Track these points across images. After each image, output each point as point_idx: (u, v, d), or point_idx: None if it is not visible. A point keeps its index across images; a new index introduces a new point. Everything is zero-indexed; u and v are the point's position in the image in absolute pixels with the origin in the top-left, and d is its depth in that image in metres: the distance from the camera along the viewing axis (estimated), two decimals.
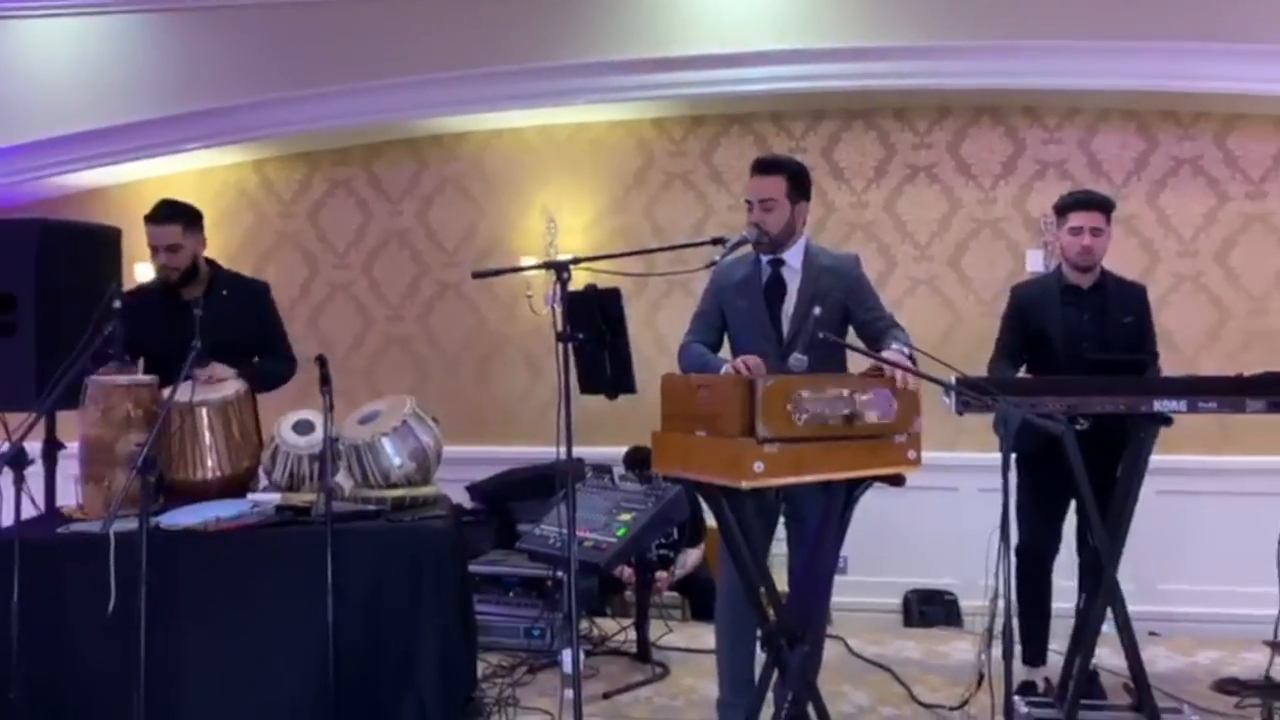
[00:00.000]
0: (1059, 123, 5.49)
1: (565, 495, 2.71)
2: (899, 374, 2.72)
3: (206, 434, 3.25)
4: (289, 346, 3.79)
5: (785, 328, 3.15)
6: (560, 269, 2.72)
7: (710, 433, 2.62)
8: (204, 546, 3.05)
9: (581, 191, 5.89)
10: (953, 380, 2.89)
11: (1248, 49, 4.90)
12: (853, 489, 2.77)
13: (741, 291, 3.24)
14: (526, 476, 5.20)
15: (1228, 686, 3.66)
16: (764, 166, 3.21)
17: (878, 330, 3.09)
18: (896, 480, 2.75)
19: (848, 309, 3.16)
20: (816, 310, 2.95)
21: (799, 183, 3.20)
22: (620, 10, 5.41)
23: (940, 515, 5.08)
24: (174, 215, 3.53)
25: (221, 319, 3.41)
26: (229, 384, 3.37)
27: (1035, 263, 5.40)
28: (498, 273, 2.96)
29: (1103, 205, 3.55)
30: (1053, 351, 3.55)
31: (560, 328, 2.70)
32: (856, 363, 3.01)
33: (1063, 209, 3.58)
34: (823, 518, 2.81)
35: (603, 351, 2.88)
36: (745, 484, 2.51)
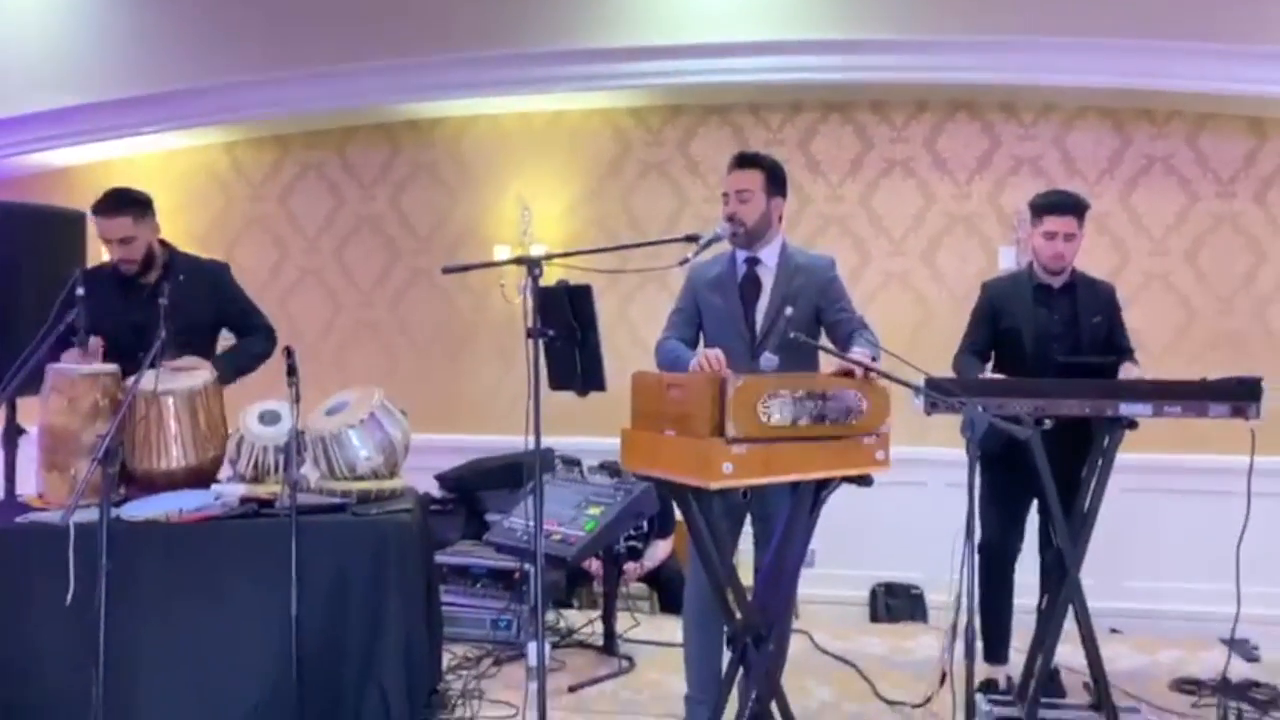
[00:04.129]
0: (1035, 119, 5.51)
1: (534, 489, 2.70)
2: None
3: (173, 423, 3.21)
4: (264, 319, 3.74)
5: (759, 326, 3.15)
6: (532, 265, 2.71)
7: (679, 432, 2.61)
8: (166, 538, 3.02)
9: (557, 180, 5.85)
10: (921, 382, 2.90)
11: (1220, 48, 4.92)
12: (820, 489, 2.78)
13: (717, 288, 3.24)
14: (495, 466, 5.18)
15: (1185, 686, 3.72)
16: (742, 160, 3.23)
17: (846, 331, 3.09)
18: (864, 481, 2.76)
19: (819, 309, 3.16)
20: (789, 310, 2.94)
21: (776, 178, 3.22)
22: None
23: (908, 510, 5.09)
24: (123, 206, 3.42)
25: (181, 304, 3.36)
26: (197, 373, 3.33)
27: (1008, 259, 5.43)
28: (468, 268, 2.93)
29: (1077, 209, 3.53)
30: (1022, 350, 3.56)
31: (531, 324, 2.69)
32: (829, 363, 3.01)
33: (1037, 210, 3.57)
34: (790, 518, 2.81)
35: (573, 349, 2.86)
36: (714, 485, 2.51)
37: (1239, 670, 3.76)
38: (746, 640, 2.76)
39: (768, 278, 3.19)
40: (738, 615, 2.80)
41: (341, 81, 5.57)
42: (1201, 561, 4.88)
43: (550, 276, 2.90)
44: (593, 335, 2.89)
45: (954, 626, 3.09)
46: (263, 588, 2.99)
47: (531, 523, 2.66)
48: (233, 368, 3.56)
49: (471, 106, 5.79)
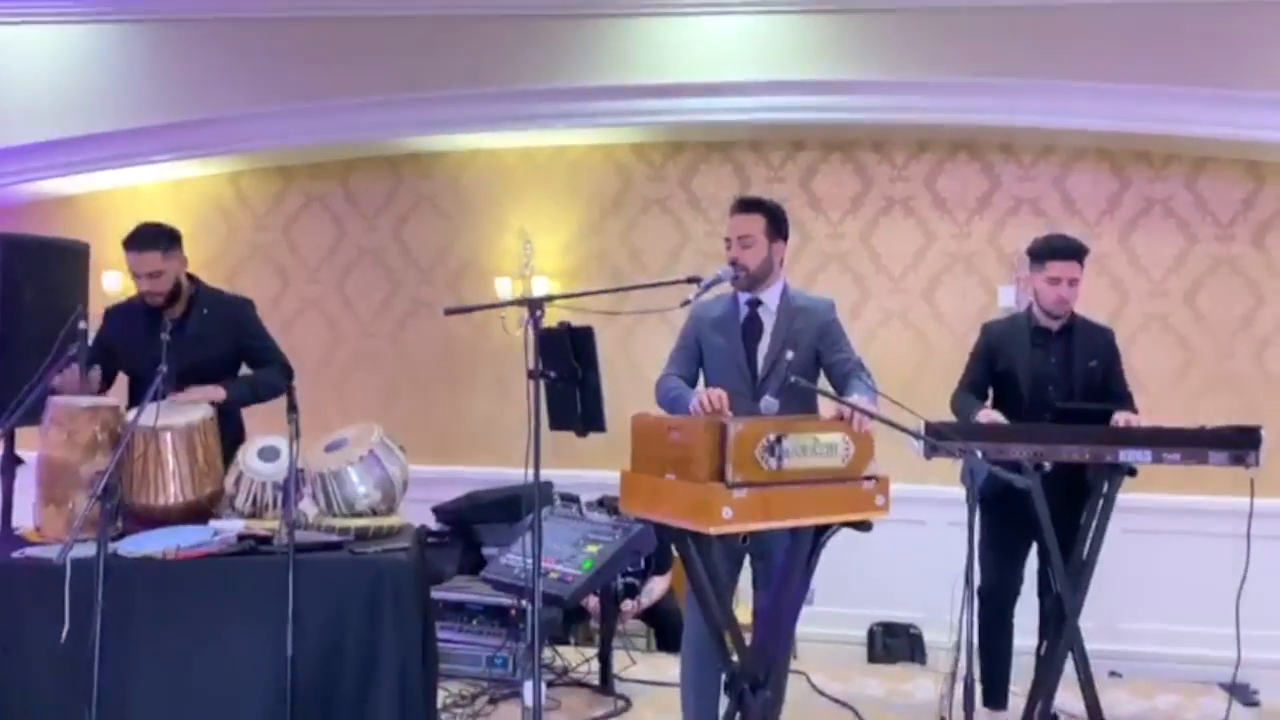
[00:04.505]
0: (1034, 160, 5.55)
1: (532, 525, 2.70)
2: (856, 418, 2.72)
3: (170, 459, 3.20)
4: (283, 357, 3.79)
5: (760, 368, 3.16)
6: (534, 306, 2.72)
7: (679, 476, 2.61)
8: (162, 574, 2.99)
9: (559, 214, 5.88)
10: (921, 428, 2.90)
11: (1218, 93, 4.97)
12: (820, 534, 2.77)
13: (719, 328, 3.25)
14: (493, 499, 5.16)
15: None
16: (744, 205, 3.25)
17: (843, 373, 3.10)
18: (863, 526, 2.76)
19: (818, 351, 3.17)
20: (789, 354, 2.95)
21: (777, 222, 3.23)
22: (602, 36, 5.42)
23: (907, 548, 5.07)
24: (153, 242, 3.49)
25: (201, 337, 3.53)
26: (195, 408, 3.33)
27: (1007, 298, 5.45)
28: (471, 309, 2.95)
29: (1079, 254, 3.56)
30: (1019, 392, 3.57)
31: (532, 365, 2.69)
32: (827, 406, 3.01)
33: (1040, 256, 3.58)
34: (789, 562, 2.81)
35: (574, 389, 2.87)
36: (714, 530, 2.50)
37: (1239, 717, 3.74)
38: (744, 685, 2.75)
39: (769, 320, 3.19)
40: (735, 659, 2.79)
41: (346, 114, 5.61)
42: (1201, 604, 4.85)
43: (551, 313, 2.92)
44: (593, 376, 2.90)
45: (953, 672, 3.09)
46: (258, 625, 2.96)
47: (529, 560, 2.65)
48: (248, 388, 3.63)
49: (474, 141, 5.83)
